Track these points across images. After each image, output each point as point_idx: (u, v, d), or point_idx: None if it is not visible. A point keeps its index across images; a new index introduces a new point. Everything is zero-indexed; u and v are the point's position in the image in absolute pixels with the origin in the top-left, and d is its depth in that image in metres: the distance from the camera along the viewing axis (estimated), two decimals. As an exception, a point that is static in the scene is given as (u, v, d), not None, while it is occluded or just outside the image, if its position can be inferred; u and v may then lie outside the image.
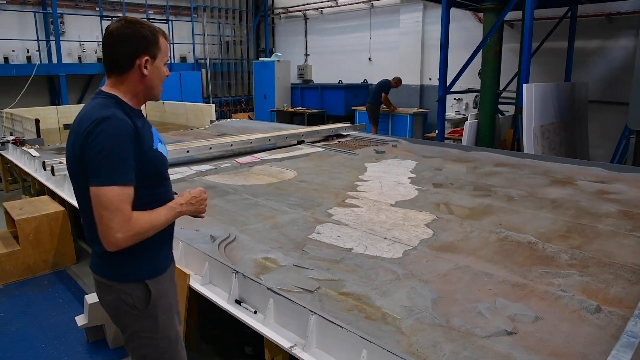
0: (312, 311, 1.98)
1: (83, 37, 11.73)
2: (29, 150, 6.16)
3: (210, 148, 5.98)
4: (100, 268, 1.83)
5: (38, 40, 10.79)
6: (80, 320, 3.28)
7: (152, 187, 1.78)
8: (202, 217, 2.00)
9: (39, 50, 10.83)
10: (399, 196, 4.09)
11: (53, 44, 10.96)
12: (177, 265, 2.77)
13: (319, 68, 13.36)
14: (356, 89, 12.03)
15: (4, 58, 10.58)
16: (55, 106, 10.30)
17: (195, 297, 2.78)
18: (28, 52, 10.94)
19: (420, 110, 10.69)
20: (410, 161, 5.49)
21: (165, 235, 1.88)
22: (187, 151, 5.75)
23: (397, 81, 10.17)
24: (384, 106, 10.29)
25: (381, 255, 2.83)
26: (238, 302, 2.40)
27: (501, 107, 7.81)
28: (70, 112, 10.23)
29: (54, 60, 10.98)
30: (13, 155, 6.69)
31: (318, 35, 13.47)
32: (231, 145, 6.19)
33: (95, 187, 1.61)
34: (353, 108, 11.45)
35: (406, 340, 1.93)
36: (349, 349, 1.84)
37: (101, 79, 11.74)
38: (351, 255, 2.84)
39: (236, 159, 5.87)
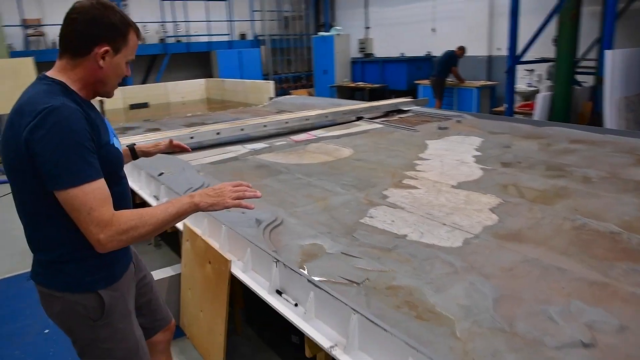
0: (354, 309, 1.78)
1: (145, 18, 11.95)
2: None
3: (265, 126, 5.86)
4: (46, 278, 1.64)
5: (103, 22, 11.11)
6: (130, 302, 3.27)
7: (113, 185, 1.58)
8: (248, 207, 1.74)
9: (104, 32, 11.15)
10: (461, 176, 3.77)
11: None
12: (219, 250, 2.67)
13: (381, 41, 12.92)
14: (419, 62, 11.53)
15: (74, 41, 10.97)
16: (120, 87, 10.59)
17: (241, 283, 2.66)
18: (95, 34, 11.29)
19: (488, 83, 10.06)
20: (476, 138, 5.10)
21: None
22: (242, 129, 5.66)
23: (463, 50, 9.61)
24: (453, 79, 9.78)
25: (438, 244, 2.57)
26: (279, 292, 2.24)
27: (578, 77, 7.13)
28: (134, 92, 10.54)
29: (120, 42, 11.27)
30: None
31: (379, 7, 12.96)
32: (287, 122, 6.03)
33: (60, 191, 1.44)
34: (416, 82, 10.98)
35: (461, 347, 1.68)
36: (394, 353, 1.63)
37: (163, 59, 11.97)
38: (405, 243, 2.60)
39: (291, 137, 5.72)
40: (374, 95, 11.30)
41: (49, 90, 1.50)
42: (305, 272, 2.29)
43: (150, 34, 12.09)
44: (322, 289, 1.96)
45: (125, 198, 1.75)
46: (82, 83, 1.58)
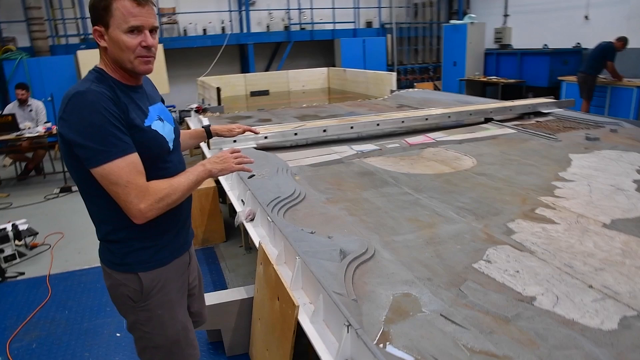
0: None
1: (271, 6, 11.92)
2: (202, 118, 6.25)
3: (378, 124, 5.30)
4: (101, 253, 1.79)
5: (230, 11, 11.25)
6: (199, 320, 2.95)
7: (149, 170, 1.61)
8: (247, 170, 1.97)
9: (231, 21, 11.31)
10: (617, 211, 2.88)
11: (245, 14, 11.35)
12: (288, 289, 2.19)
13: (520, 31, 11.54)
14: (565, 55, 10.06)
15: (203, 30, 11.28)
16: (243, 74, 10.68)
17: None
18: (222, 22, 11.51)
19: (654, 82, 8.39)
20: (637, 154, 4.04)
21: (166, 222, 1.75)
22: (351, 127, 5.17)
23: (624, 42, 8.09)
24: (607, 76, 8.31)
25: (580, 321, 1.82)
26: (350, 365, 1.70)
27: None
28: (256, 79, 10.55)
29: (245, 30, 11.37)
30: (192, 122, 6.92)
31: (522, -8, 11.57)
32: (402, 121, 5.41)
33: (96, 167, 1.52)
34: (559, 78, 9.59)
35: None
36: None
37: (286, 47, 11.86)
38: (531, 312, 1.90)
39: (406, 139, 5.09)
40: (508, 91, 10.11)
41: (86, 78, 1.61)
42: (388, 341, 1.72)
43: (276, 21, 12.03)
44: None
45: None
46: (111, 66, 1.64)
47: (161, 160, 1.72)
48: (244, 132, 2.43)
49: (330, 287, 2.01)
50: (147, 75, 1.80)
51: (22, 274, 4.28)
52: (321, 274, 2.12)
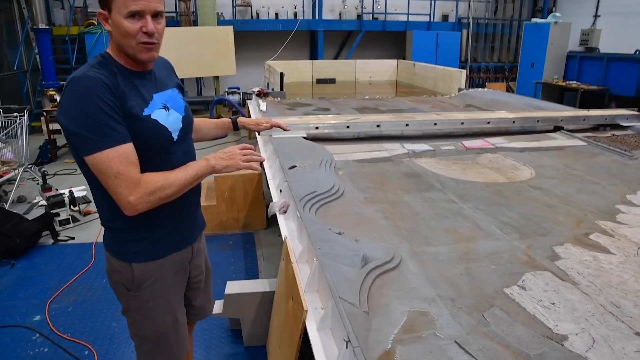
0: None
1: (346, -7, 11.79)
2: (261, 102, 6.26)
3: (435, 124, 5.06)
4: (104, 237, 1.81)
5: (304, -4, 11.25)
6: (217, 307, 2.93)
7: (147, 161, 1.57)
8: (254, 169, 1.85)
9: (303, 7, 11.26)
10: (686, 246, 2.56)
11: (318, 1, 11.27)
12: (301, 291, 2.10)
13: (611, 33, 10.68)
14: (660, 63, 9.21)
15: (275, 14, 11.32)
16: (310, 60, 10.63)
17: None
18: (295, 8, 11.49)
19: None
20: None
21: (164, 215, 1.71)
22: (407, 125, 4.98)
23: None
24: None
25: (616, 372, 1.61)
26: (346, 382, 1.60)
27: None
28: (323, 67, 10.47)
29: (317, 17, 11.29)
30: (252, 105, 6.95)
31: (618, -9, 10.68)
32: (462, 123, 5.14)
33: (87, 156, 1.49)
34: (650, 88, 8.81)
35: None
36: None
37: (357, 36, 11.68)
38: (558, 353, 1.69)
39: (463, 141, 4.83)
40: (588, 99, 9.41)
41: (87, 63, 1.59)
42: (390, 364, 1.60)
43: (349, 9, 11.86)
44: None
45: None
46: (115, 51, 1.62)
47: (164, 150, 1.68)
48: (271, 127, 2.43)
49: (342, 294, 1.90)
50: (169, 60, 1.75)
51: (73, 238, 4.48)
52: (336, 279, 2.01)
